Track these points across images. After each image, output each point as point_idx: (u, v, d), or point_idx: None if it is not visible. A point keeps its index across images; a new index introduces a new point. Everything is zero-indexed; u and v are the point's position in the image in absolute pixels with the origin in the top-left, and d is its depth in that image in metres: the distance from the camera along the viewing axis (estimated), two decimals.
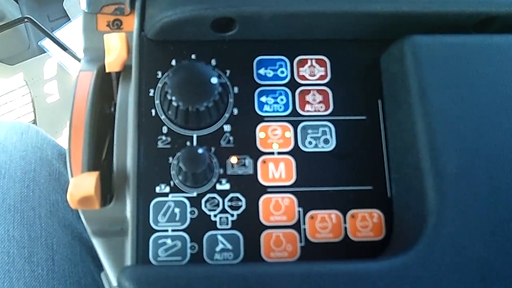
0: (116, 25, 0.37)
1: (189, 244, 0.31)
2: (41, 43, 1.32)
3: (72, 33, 1.32)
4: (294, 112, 0.33)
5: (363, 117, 0.33)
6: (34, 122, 1.24)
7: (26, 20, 1.15)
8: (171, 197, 0.31)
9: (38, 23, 1.14)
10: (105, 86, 0.36)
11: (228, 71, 0.34)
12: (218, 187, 0.32)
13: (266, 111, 0.33)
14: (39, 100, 1.28)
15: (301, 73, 0.34)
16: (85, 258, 0.49)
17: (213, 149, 0.32)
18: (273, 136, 0.33)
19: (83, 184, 0.30)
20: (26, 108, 1.26)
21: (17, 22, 1.18)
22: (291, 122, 0.33)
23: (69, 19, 1.36)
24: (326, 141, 0.33)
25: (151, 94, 0.33)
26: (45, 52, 1.32)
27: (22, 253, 0.46)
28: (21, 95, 1.28)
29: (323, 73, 0.34)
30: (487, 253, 0.28)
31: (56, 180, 0.52)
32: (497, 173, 0.29)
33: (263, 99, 0.33)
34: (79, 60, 1.16)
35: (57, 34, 1.29)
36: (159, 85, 0.33)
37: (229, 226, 0.31)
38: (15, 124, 0.55)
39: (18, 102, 1.27)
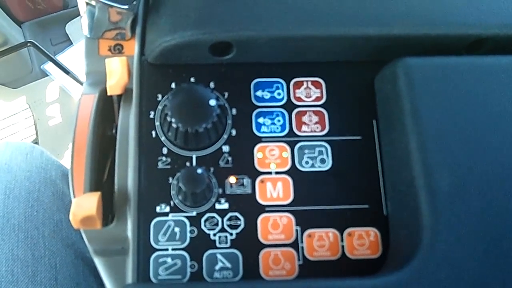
0: (117, 50, 0.37)
1: (189, 263, 0.31)
2: (44, 67, 1.34)
3: (74, 56, 1.33)
4: (291, 133, 0.34)
5: (359, 137, 0.34)
6: (36, 144, 1.25)
7: (29, 44, 1.17)
8: (171, 216, 0.32)
9: (41, 47, 1.15)
10: (107, 108, 0.37)
11: (226, 93, 0.34)
12: (217, 206, 0.32)
13: (263, 132, 0.34)
14: (41, 122, 1.29)
15: (297, 95, 0.35)
16: (88, 278, 0.49)
17: (212, 169, 0.33)
18: (271, 156, 0.33)
19: (85, 204, 0.31)
20: (28, 130, 1.27)
21: (20, 46, 1.20)
22: (288, 142, 0.34)
23: (72, 43, 1.37)
24: (322, 161, 0.34)
25: (151, 116, 0.33)
26: (47, 75, 1.34)
27: (26, 272, 0.46)
28: (24, 117, 1.29)
29: (318, 95, 0.35)
30: (481, 269, 0.28)
31: (60, 200, 0.52)
32: (490, 190, 0.29)
33: (261, 120, 0.34)
34: (81, 83, 1.18)
35: (60, 58, 1.30)
36: (159, 107, 0.33)
37: (228, 245, 0.32)
38: (20, 145, 0.56)
39: (21, 124, 1.28)
